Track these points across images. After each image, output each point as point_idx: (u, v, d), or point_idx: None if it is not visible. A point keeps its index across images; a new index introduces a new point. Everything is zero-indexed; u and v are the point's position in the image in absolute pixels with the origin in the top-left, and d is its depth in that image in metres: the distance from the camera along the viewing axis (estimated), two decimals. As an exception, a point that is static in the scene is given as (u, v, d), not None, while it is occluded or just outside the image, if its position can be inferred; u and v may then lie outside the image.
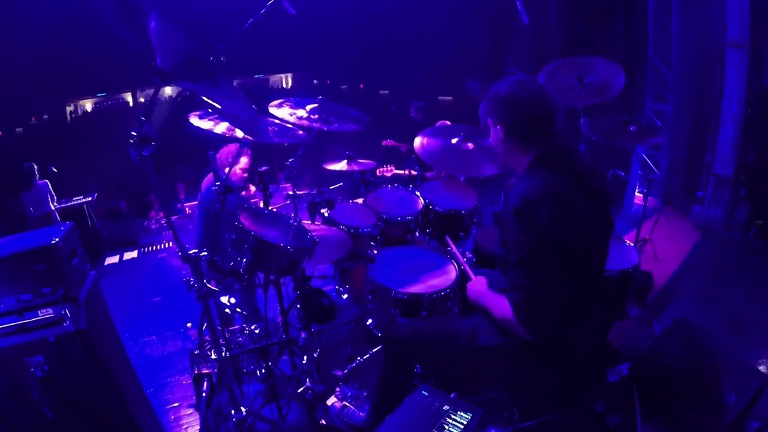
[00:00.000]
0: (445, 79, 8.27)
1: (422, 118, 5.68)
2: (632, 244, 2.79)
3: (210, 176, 3.45)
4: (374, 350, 2.76)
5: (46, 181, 5.59)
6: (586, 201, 1.57)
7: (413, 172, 3.79)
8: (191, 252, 1.80)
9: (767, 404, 2.07)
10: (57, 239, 1.66)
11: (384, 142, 5.70)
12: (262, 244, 1.95)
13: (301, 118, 2.64)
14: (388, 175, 3.80)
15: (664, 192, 5.27)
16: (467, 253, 3.19)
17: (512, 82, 1.64)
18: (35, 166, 5.55)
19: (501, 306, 1.59)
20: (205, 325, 2.15)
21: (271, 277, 2.26)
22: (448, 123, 3.32)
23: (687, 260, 4.01)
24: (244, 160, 3.29)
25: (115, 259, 5.58)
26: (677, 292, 3.46)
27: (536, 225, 1.46)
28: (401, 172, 3.82)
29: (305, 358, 2.40)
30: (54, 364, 1.59)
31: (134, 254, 5.68)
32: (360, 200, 3.24)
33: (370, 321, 2.97)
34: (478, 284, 1.83)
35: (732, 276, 3.75)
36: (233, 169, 3.35)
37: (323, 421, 2.30)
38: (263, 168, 2.57)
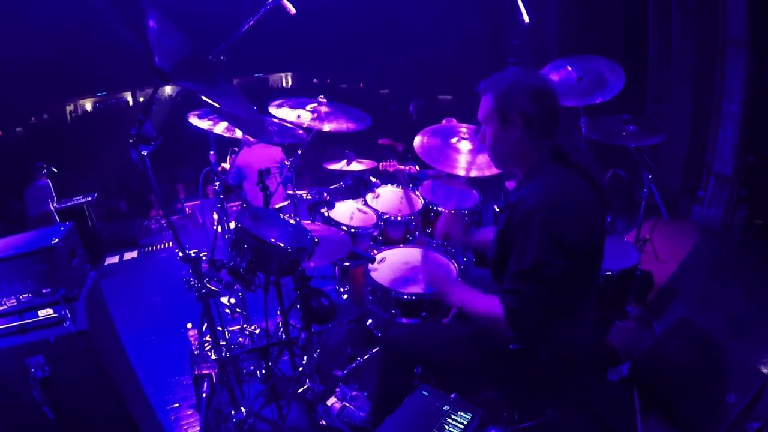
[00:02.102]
0: (445, 79, 8.26)
1: (417, 117, 5.67)
2: (632, 243, 2.79)
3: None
4: (374, 350, 2.76)
5: (48, 181, 5.59)
6: (594, 199, 1.53)
7: (413, 169, 3.78)
8: (191, 252, 1.80)
9: (767, 404, 2.07)
10: (57, 240, 1.66)
11: (380, 141, 5.70)
12: (261, 244, 1.94)
13: (301, 117, 2.64)
14: (391, 170, 3.79)
15: (664, 192, 5.26)
16: (467, 253, 3.19)
17: (531, 73, 1.57)
18: (44, 166, 5.54)
19: (489, 304, 1.52)
20: (206, 325, 2.15)
21: (271, 278, 2.26)
22: (455, 120, 3.31)
23: (687, 260, 4.01)
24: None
25: (115, 259, 5.58)
26: (677, 292, 3.46)
27: (551, 230, 1.40)
28: (403, 167, 3.82)
29: (305, 358, 2.40)
30: (54, 365, 1.59)
31: (134, 254, 5.68)
32: (360, 200, 3.24)
33: (370, 321, 2.97)
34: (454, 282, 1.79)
35: (732, 276, 3.74)
36: None
37: (323, 422, 2.30)
38: (263, 168, 2.57)
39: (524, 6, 3.14)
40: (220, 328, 2.39)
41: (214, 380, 2.32)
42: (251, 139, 3.60)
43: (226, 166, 3.90)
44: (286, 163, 2.91)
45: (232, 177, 4.21)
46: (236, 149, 3.88)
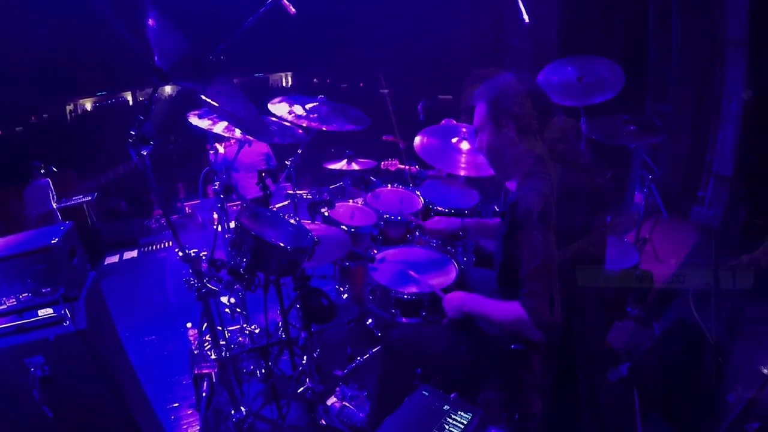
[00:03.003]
0: (445, 78, 8.24)
1: (423, 117, 5.68)
2: (632, 243, 2.79)
3: None
4: (374, 350, 2.76)
5: (48, 179, 5.59)
6: (591, 194, 1.57)
7: (413, 169, 3.78)
8: (191, 252, 1.80)
9: (767, 404, 2.07)
10: (56, 239, 1.65)
11: (384, 137, 5.70)
12: (261, 243, 1.94)
13: (300, 116, 2.64)
14: (392, 169, 3.79)
15: (664, 192, 5.26)
16: (467, 253, 3.18)
17: (520, 77, 1.61)
18: (41, 165, 5.54)
19: (509, 309, 1.55)
20: (205, 324, 2.15)
21: (271, 277, 2.26)
22: (454, 121, 3.31)
23: (687, 260, 4.00)
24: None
25: (115, 258, 5.58)
26: (677, 292, 3.45)
27: (552, 223, 1.44)
28: (404, 167, 3.82)
29: (305, 358, 2.40)
30: (54, 364, 1.59)
31: (134, 254, 5.68)
32: (360, 200, 3.23)
33: (370, 321, 2.97)
34: (459, 293, 1.82)
35: (731, 275, 3.74)
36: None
37: (323, 421, 2.30)
38: (249, 161, 2.57)
39: (524, 5, 3.14)
40: (219, 328, 2.39)
41: (214, 380, 2.32)
42: (251, 139, 3.60)
43: (221, 150, 3.88)
44: (286, 163, 2.92)
45: (217, 166, 4.22)
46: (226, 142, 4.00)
